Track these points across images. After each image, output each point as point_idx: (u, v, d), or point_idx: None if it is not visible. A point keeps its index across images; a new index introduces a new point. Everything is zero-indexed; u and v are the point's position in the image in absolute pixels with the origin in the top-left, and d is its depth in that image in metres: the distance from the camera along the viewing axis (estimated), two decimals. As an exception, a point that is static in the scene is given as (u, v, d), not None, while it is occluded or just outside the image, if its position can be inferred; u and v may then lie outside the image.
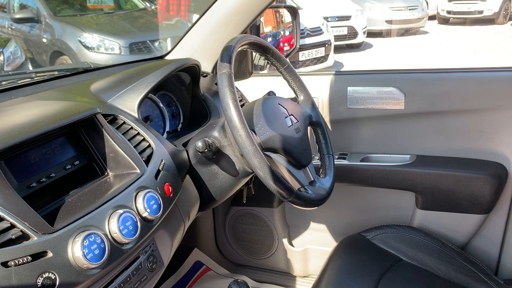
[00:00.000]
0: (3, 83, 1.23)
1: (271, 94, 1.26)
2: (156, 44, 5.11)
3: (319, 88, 1.54)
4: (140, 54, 4.99)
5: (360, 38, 7.87)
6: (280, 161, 1.07)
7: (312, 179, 1.12)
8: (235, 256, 1.85)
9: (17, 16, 5.34)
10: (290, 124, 1.11)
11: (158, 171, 0.98)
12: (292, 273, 1.77)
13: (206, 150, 1.05)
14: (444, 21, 10.72)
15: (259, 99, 1.14)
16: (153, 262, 0.96)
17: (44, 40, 5.22)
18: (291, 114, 1.13)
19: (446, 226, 1.46)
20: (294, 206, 1.02)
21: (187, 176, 1.15)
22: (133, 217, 0.83)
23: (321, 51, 5.95)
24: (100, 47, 5.00)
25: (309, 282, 1.75)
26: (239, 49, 1.07)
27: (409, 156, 1.50)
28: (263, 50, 1.18)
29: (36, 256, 0.69)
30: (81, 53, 4.96)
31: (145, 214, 0.87)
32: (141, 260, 0.93)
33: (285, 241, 1.72)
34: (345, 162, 1.51)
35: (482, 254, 1.47)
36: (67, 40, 5.09)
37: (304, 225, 1.72)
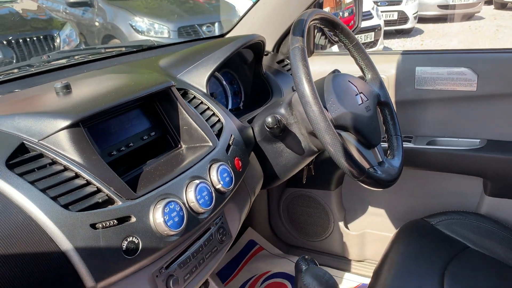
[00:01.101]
0: (76, 57, 1.27)
1: (336, 72, 1.23)
2: (204, 28, 5.12)
3: (386, 67, 1.49)
4: (189, 38, 5.03)
5: (411, 23, 7.59)
6: (350, 139, 1.04)
7: (381, 160, 1.09)
8: (288, 237, 1.85)
9: (72, 0, 5.52)
10: (361, 102, 1.08)
11: (229, 145, 0.98)
12: (348, 256, 1.75)
13: (275, 126, 1.04)
14: (502, 6, 10.12)
15: (327, 75, 1.11)
16: (222, 234, 0.97)
17: (97, 23, 5.37)
18: (361, 92, 1.10)
19: None
20: (364, 185, 0.99)
21: (252, 153, 1.15)
22: (208, 188, 0.84)
23: (370, 36, 5.79)
24: (150, 31, 5.08)
25: (365, 267, 1.72)
26: (311, 23, 1.05)
27: (479, 140, 1.43)
28: (332, 26, 1.14)
29: (121, 220, 0.71)
30: (131, 36, 5.06)
31: (218, 186, 0.88)
32: (212, 231, 0.94)
33: (341, 224, 1.70)
34: (410, 145, 1.46)
35: None
36: (118, 24, 5.20)
37: (362, 209, 1.69)
